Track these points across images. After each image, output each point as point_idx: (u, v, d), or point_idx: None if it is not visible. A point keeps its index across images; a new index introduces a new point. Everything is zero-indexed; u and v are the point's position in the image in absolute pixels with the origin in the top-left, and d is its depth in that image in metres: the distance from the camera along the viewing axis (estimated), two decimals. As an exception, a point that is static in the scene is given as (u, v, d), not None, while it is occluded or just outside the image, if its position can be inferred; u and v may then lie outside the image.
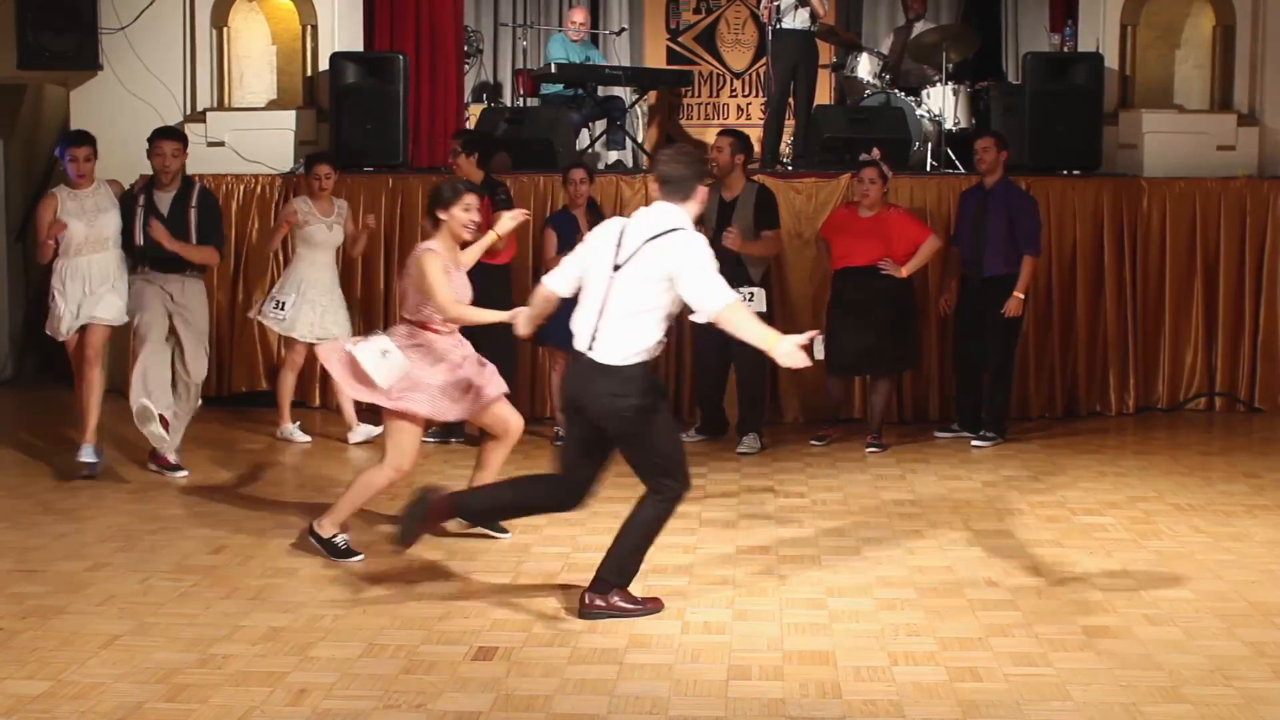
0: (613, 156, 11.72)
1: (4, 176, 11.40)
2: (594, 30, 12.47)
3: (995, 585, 5.62)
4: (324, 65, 10.40)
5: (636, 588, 5.30)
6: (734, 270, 8.17)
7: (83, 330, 7.51)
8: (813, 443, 8.61)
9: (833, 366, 8.44)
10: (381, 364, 5.79)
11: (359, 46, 10.77)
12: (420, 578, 5.73)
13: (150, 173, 7.72)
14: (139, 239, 7.49)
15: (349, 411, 8.59)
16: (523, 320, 5.56)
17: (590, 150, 11.64)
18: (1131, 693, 4.42)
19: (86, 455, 7.51)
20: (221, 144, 10.22)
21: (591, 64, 11.60)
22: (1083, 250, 9.63)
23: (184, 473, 7.60)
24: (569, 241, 8.51)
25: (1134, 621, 5.14)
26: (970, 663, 4.70)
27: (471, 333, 6.35)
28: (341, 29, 10.64)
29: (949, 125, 10.73)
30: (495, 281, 7.86)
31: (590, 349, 5.10)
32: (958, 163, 10.48)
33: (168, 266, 7.56)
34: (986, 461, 8.14)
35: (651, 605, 5.28)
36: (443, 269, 5.95)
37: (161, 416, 7.25)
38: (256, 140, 10.28)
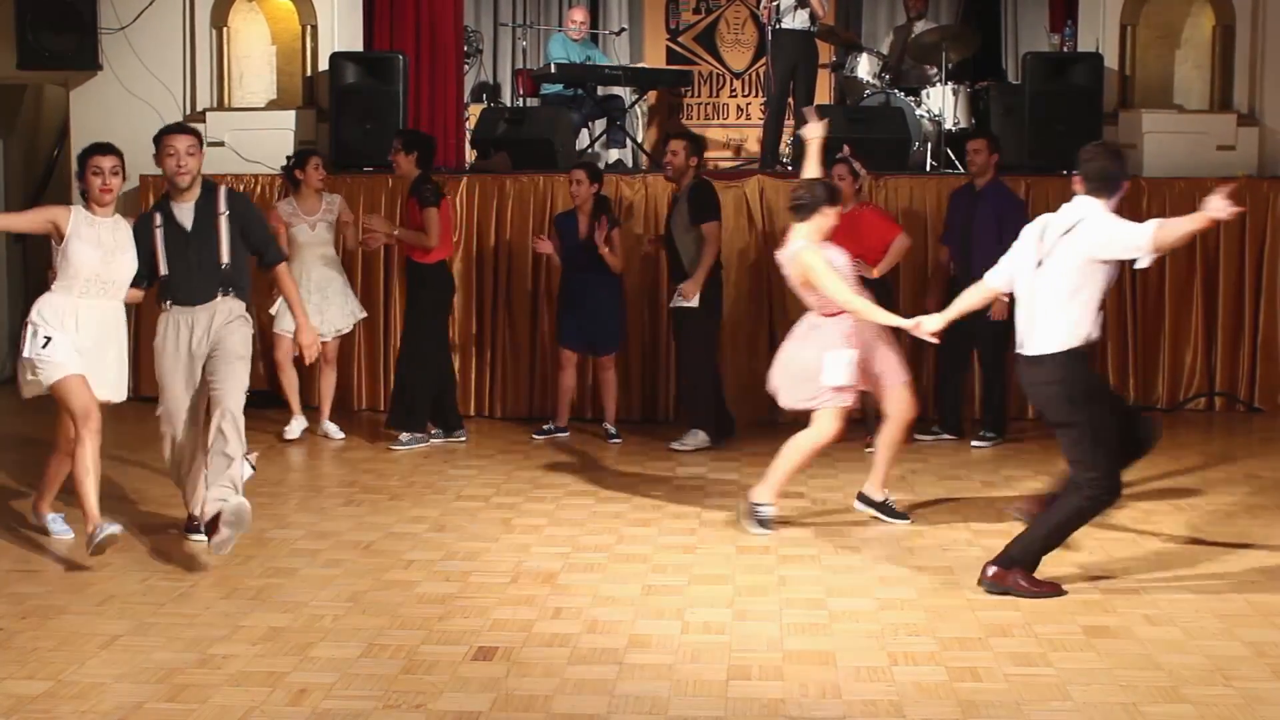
0: (613, 156, 11.73)
1: (3, 176, 11.40)
2: (594, 30, 12.47)
3: (995, 585, 5.62)
4: (324, 65, 10.40)
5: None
6: (676, 266, 8.47)
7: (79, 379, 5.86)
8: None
9: None
10: (846, 370, 6.25)
11: (359, 46, 10.78)
12: (420, 578, 5.73)
13: (132, 193, 7.37)
14: (162, 267, 6.04)
15: (295, 403, 8.75)
16: (937, 320, 5.87)
17: (590, 150, 11.65)
18: (1131, 693, 4.42)
19: (110, 527, 5.72)
20: (221, 144, 10.22)
21: (591, 64, 11.60)
22: (1082, 250, 9.62)
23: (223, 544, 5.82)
24: (567, 241, 8.59)
25: (1134, 621, 5.14)
26: (970, 663, 4.70)
27: None
28: (341, 29, 10.64)
29: (949, 125, 10.73)
30: (425, 279, 8.43)
31: (1023, 345, 5.40)
32: (957, 163, 10.48)
33: (194, 295, 6.06)
34: (986, 461, 8.14)
35: (1049, 589, 5.40)
36: (826, 263, 6.23)
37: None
38: (256, 140, 10.28)
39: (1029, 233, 5.53)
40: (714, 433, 8.58)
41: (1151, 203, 9.77)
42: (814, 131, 6.94)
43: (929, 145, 10.67)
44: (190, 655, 4.76)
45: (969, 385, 9.11)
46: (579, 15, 11.95)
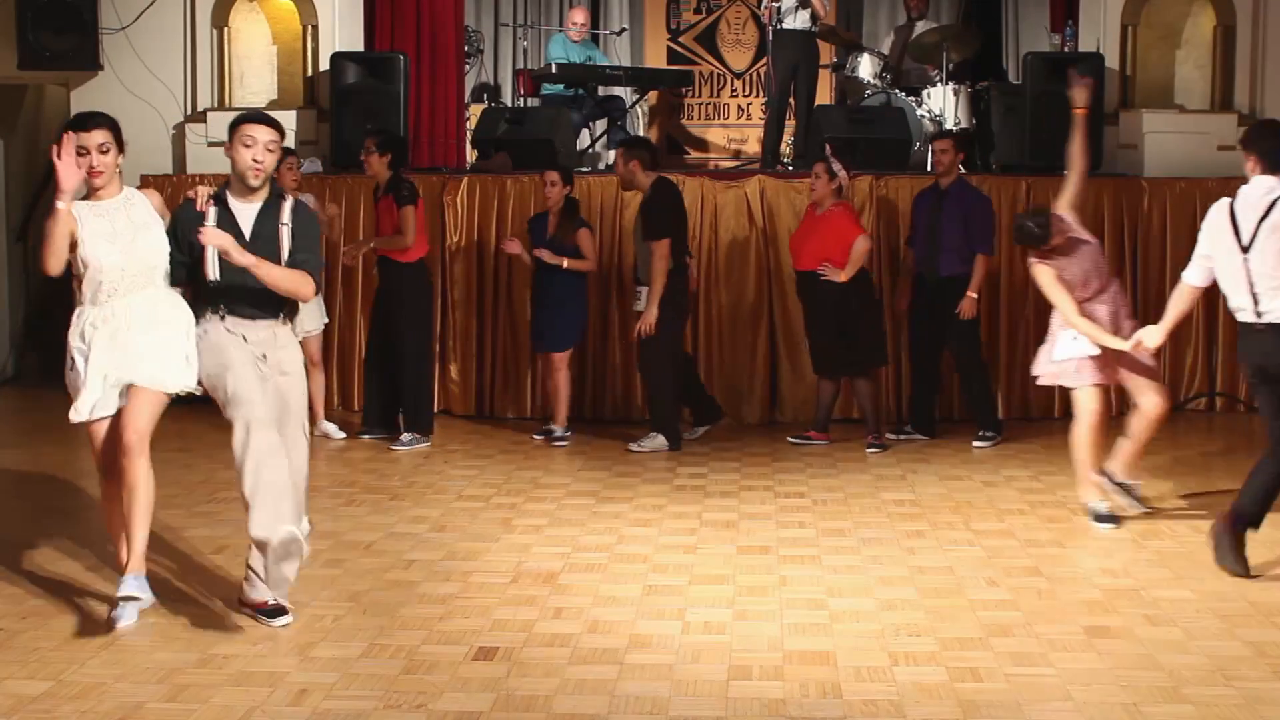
0: (613, 156, 11.72)
1: (4, 177, 11.40)
2: (594, 30, 12.47)
3: (995, 585, 5.62)
4: (324, 65, 10.40)
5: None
6: (641, 269, 8.45)
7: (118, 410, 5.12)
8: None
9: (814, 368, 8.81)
10: (1075, 346, 6.61)
11: (359, 47, 10.78)
12: (421, 578, 5.73)
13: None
14: (211, 271, 5.14)
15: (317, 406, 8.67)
16: (1157, 334, 6.16)
17: (591, 150, 11.65)
18: (1132, 693, 4.43)
19: (132, 588, 5.08)
20: (222, 144, 10.15)
21: (592, 64, 11.60)
22: (1083, 250, 9.62)
23: (288, 618, 5.14)
24: (537, 242, 8.62)
25: (1134, 622, 5.14)
26: (971, 663, 4.70)
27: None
28: (342, 29, 10.65)
29: (949, 125, 10.72)
30: (405, 278, 8.43)
31: (1259, 316, 5.57)
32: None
33: (254, 308, 5.21)
34: (987, 461, 8.14)
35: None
36: (1054, 279, 6.57)
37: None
38: None
39: (1216, 223, 5.73)
40: (676, 436, 8.50)
41: (1152, 203, 9.77)
42: (1080, 99, 7.19)
43: (930, 145, 10.65)
44: (191, 655, 4.76)
45: (939, 385, 9.06)
46: (579, 15, 11.94)
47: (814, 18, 10.57)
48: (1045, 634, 4.99)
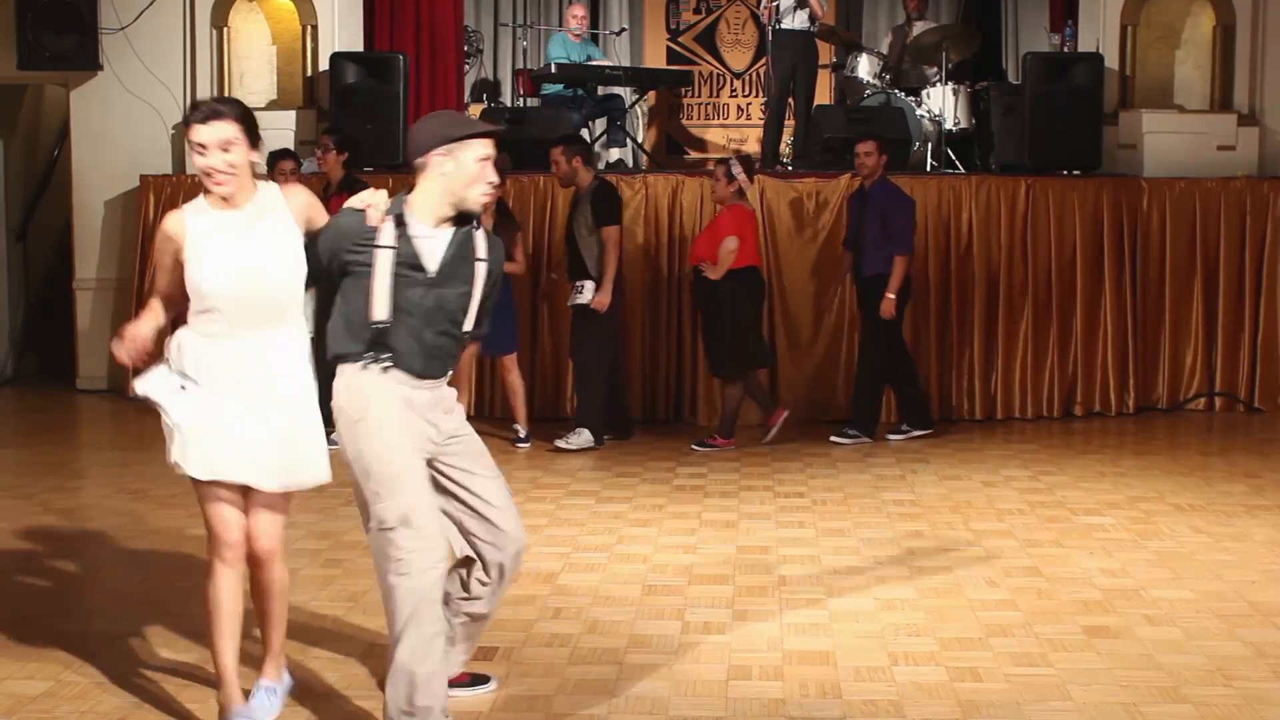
0: (613, 156, 11.73)
1: (4, 177, 11.41)
2: (594, 30, 12.47)
3: (995, 585, 5.62)
4: (324, 65, 10.40)
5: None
6: (576, 264, 8.45)
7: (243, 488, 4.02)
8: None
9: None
10: None
11: (359, 47, 10.78)
12: (420, 578, 5.72)
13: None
14: (381, 311, 3.92)
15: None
16: None
17: (591, 150, 11.64)
18: (1132, 693, 4.43)
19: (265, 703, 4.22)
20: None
21: (592, 64, 11.60)
22: (1082, 250, 9.63)
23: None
24: None
25: (1134, 622, 5.14)
26: (970, 663, 4.70)
27: None
28: (341, 29, 10.65)
29: (949, 125, 10.73)
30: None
31: None
32: (958, 163, 10.49)
33: (424, 366, 4.02)
34: (987, 461, 8.13)
35: None
36: None
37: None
38: None
39: None
40: (600, 433, 8.46)
41: (1151, 202, 9.78)
42: None
43: (929, 145, 10.67)
44: (191, 655, 4.76)
45: (913, 377, 9.04)
46: (579, 10, 11.95)
47: (813, 18, 10.57)
48: (1045, 634, 4.99)
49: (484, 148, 4.00)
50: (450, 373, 4.15)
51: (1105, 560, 6.00)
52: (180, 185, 9.94)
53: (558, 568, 5.87)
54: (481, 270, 4.08)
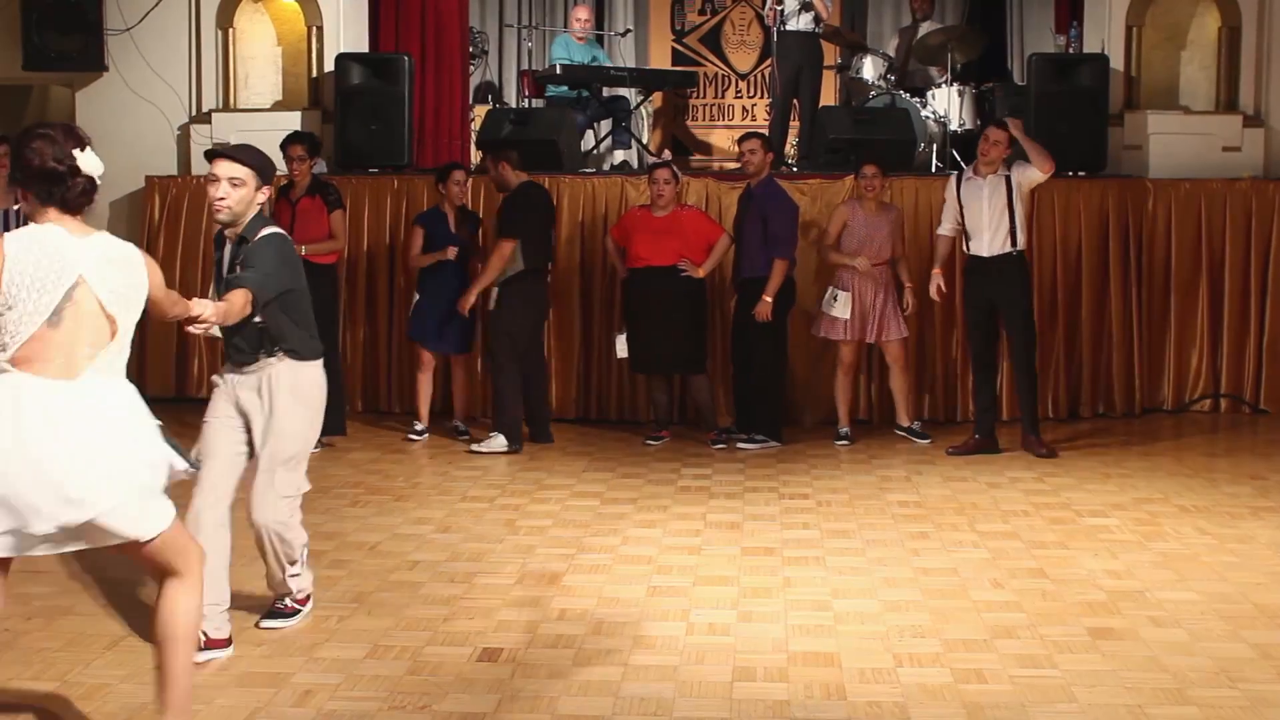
0: (618, 157, 11.73)
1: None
2: (599, 31, 12.48)
3: (1000, 587, 5.62)
4: (329, 66, 10.40)
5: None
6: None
7: None
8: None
9: (636, 365, 8.78)
10: None
11: (364, 48, 10.78)
12: (425, 579, 5.74)
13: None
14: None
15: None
16: None
17: (595, 151, 11.65)
18: (1137, 695, 4.42)
19: None
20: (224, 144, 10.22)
21: (596, 65, 11.61)
22: (1088, 251, 9.62)
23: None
24: (439, 240, 8.58)
25: (1139, 623, 5.14)
26: (975, 664, 4.70)
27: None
28: (346, 30, 10.65)
29: (954, 126, 10.73)
30: (323, 280, 8.02)
31: None
32: (962, 164, 10.47)
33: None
34: (992, 463, 8.12)
35: None
36: None
37: None
38: (261, 141, 9.98)
39: None
40: (516, 437, 8.39)
41: (1157, 204, 9.76)
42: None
43: (934, 146, 10.67)
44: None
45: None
46: (583, 12, 11.96)
47: (818, 19, 10.58)
48: (1050, 635, 4.99)
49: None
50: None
51: (1110, 562, 5.99)
52: (185, 186, 9.95)
53: (562, 569, 5.87)
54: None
